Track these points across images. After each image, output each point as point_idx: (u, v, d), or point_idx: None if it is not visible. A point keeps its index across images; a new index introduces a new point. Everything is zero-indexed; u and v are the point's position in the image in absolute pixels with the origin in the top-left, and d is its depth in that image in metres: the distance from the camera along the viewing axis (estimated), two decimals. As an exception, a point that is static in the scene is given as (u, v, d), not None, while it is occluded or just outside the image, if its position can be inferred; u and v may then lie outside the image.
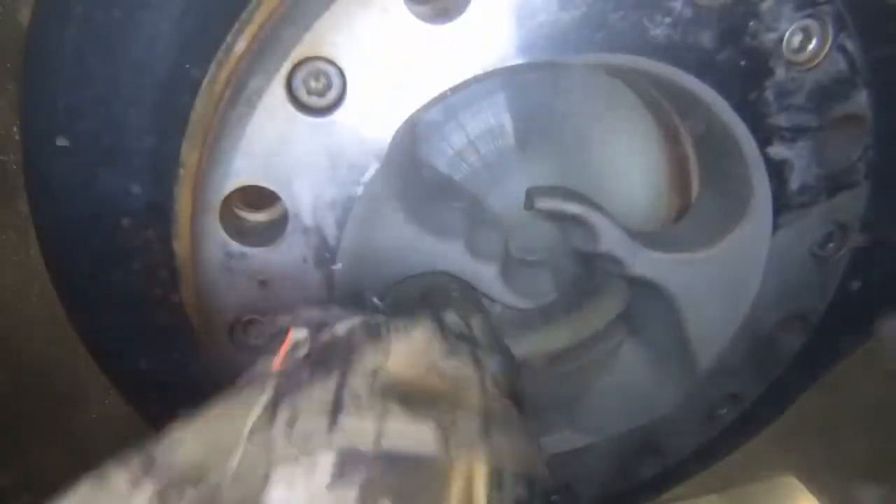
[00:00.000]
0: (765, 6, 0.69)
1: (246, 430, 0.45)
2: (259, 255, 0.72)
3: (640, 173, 0.98)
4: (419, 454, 0.43)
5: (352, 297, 0.78)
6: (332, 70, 0.65)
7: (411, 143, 0.86)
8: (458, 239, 0.81)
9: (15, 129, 0.98)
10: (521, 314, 0.97)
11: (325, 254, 0.73)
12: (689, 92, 0.73)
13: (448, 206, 0.88)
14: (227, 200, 0.70)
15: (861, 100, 0.76)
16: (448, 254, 0.81)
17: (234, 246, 0.72)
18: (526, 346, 1.10)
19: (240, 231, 0.73)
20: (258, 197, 0.73)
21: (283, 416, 0.45)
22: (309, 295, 0.75)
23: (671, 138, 0.93)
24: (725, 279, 0.85)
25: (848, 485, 1.48)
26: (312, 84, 0.65)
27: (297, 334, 0.53)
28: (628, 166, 0.98)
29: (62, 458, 1.17)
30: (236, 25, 0.69)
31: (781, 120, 0.75)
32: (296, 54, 0.64)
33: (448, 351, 0.53)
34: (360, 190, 0.70)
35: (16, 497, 1.17)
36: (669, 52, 0.69)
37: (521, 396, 0.59)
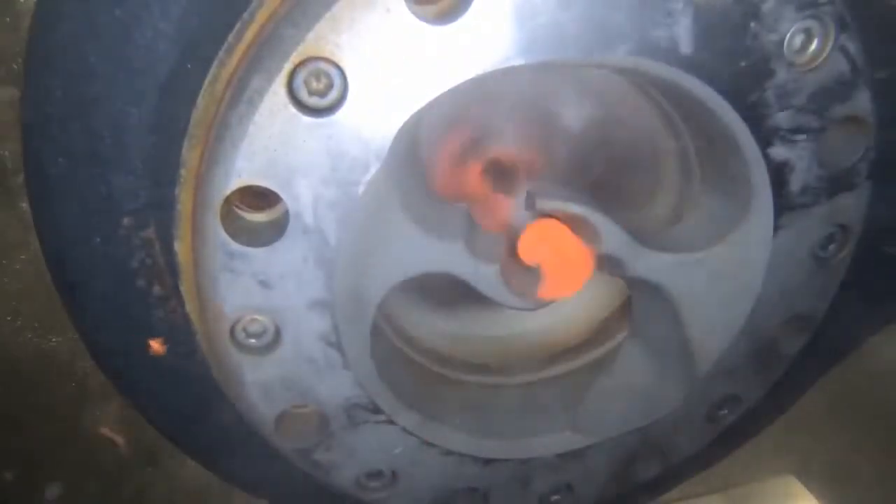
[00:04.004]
0: (766, 7, 0.69)
1: None
2: (260, 255, 0.72)
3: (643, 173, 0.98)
4: None
5: (352, 297, 0.78)
6: (333, 70, 0.65)
7: (412, 143, 0.86)
8: (458, 239, 0.81)
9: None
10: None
11: (325, 253, 0.73)
12: (690, 93, 0.73)
13: (448, 205, 0.88)
14: (228, 200, 0.70)
15: (862, 101, 0.76)
16: (449, 254, 0.81)
17: (235, 246, 0.72)
18: (527, 346, 1.10)
19: (240, 231, 0.73)
20: (259, 197, 0.73)
21: None
22: (309, 295, 0.75)
23: (673, 139, 0.93)
24: (726, 280, 0.85)
25: (848, 484, 1.48)
26: (314, 84, 0.65)
27: None
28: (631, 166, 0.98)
29: (64, 456, 1.17)
30: (238, 25, 0.69)
31: (782, 121, 0.75)
32: (297, 54, 0.64)
33: None
34: (360, 190, 0.70)
35: (17, 494, 1.17)
36: (670, 53, 0.69)
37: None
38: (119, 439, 1.20)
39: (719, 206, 0.86)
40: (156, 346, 0.84)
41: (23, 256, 1.00)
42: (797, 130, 0.76)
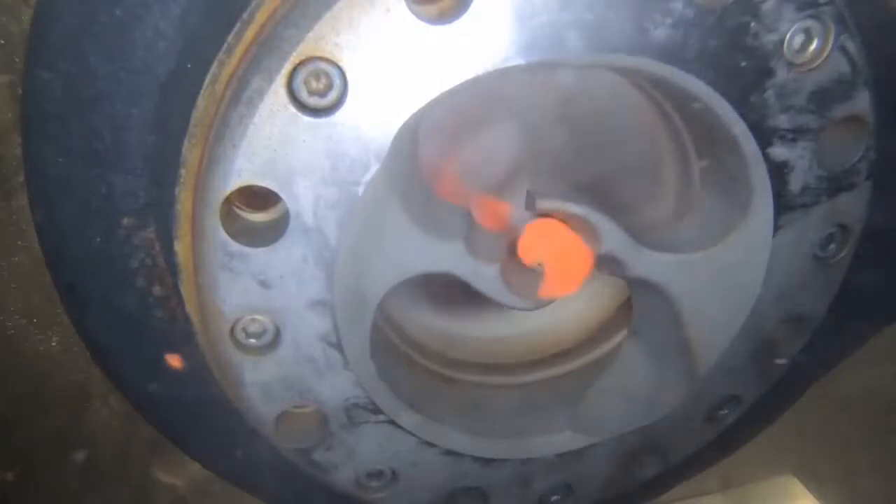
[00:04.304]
0: (766, 7, 0.69)
1: None
2: (260, 255, 0.72)
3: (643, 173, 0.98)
4: None
5: (352, 297, 0.78)
6: (333, 70, 0.65)
7: (412, 143, 0.86)
8: (458, 239, 0.81)
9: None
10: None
11: (325, 253, 0.73)
12: (690, 93, 0.73)
13: (448, 206, 0.88)
14: (228, 200, 0.70)
15: (862, 101, 0.76)
16: (449, 254, 0.81)
17: (235, 246, 0.72)
18: (526, 346, 1.10)
19: (240, 231, 0.73)
20: (259, 197, 0.73)
21: None
22: (310, 295, 0.75)
23: (673, 139, 0.93)
24: (726, 280, 0.85)
25: (848, 484, 1.48)
26: (314, 84, 0.65)
27: None
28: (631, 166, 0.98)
29: (63, 457, 1.17)
30: (238, 25, 0.69)
31: (782, 121, 0.75)
32: (297, 54, 0.64)
33: None
34: (360, 190, 0.70)
35: (18, 494, 1.17)
36: (670, 53, 0.69)
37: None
38: (178, 482, 1.20)
39: (719, 206, 0.86)
40: (174, 361, 0.84)
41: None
42: (797, 130, 0.76)
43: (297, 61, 0.64)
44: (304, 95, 0.65)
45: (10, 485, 1.15)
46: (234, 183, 0.68)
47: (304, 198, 0.69)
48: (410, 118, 0.68)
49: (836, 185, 0.81)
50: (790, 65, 0.72)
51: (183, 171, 0.74)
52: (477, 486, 0.99)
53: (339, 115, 0.66)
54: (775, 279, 0.86)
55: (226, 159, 0.68)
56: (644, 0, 0.67)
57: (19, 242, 0.98)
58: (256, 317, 0.76)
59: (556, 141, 0.96)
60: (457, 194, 0.94)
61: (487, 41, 0.65)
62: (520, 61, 0.66)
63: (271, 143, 0.67)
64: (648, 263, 0.84)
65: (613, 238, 0.83)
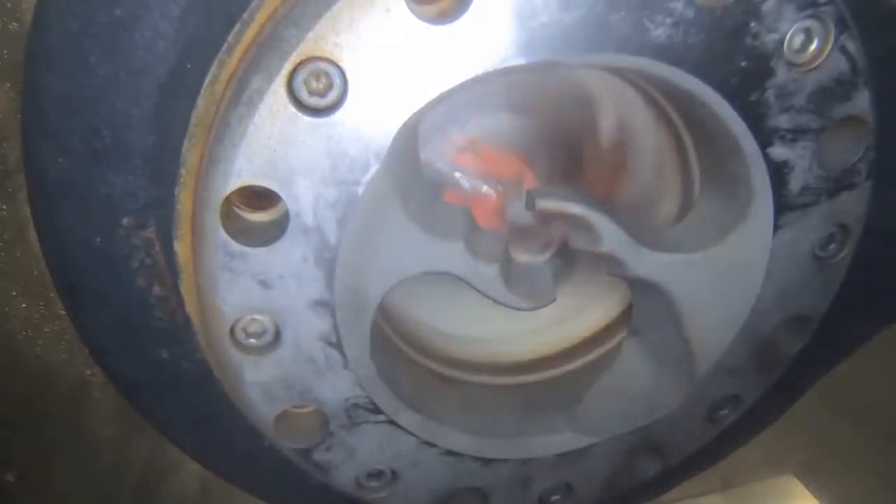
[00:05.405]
0: (766, 7, 0.69)
1: None
2: (260, 254, 0.72)
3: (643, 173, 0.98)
4: None
5: (352, 297, 0.78)
6: (333, 70, 0.65)
7: (412, 143, 0.86)
8: (458, 239, 0.81)
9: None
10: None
11: (325, 253, 0.73)
12: (690, 93, 0.73)
13: (448, 205, 0.88)
14: (228, 200, 0.70)
15: (862, 101, 0.76)
16: (449, 253, 0.81)
17: (235, 246, 0.72)
18: (527, 347, 1.10)
19: (240, 231, 0.73)
20: (259, 197, 0.73)
21: None
22: (309, 295, 0.75)
23: (673, 139, 0.93)
24: (727, 280, 0.85)
25: (848, 484, 1.48)
26: (314, 84, 0.65)
27: None
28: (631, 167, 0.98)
29: (63, 457, 1.17)
30: (238, 26, 0.69)
31: (782, 121, 0.75)
32: (297, 54, 0.64)
33: None
34: (360, 190, 0.70)
35: (18, 495, 1.17)
36: (670, 53, 0.69)
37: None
38: (177, 481, 1.20)
39: (719, 207, 0.86)
40: None
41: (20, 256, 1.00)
42: (797, 130, 0.76)
43: (297, 61, 0.64)
44: (304, 95, 0.65)
45: (10, 485, 1.15)
46: (234, 183, 0.68)
47: (304, 198, 0.69)
48: (410, 118, 0.68)
49: (836, 184, 0.81)
50: (790, 65, 0.72)
51: (183, 171, 0.74)
52: (477, 486, 0.99)
53: (339, 115, 0.66)
54: (775, 279, 0.86)
55: (226, 159, 0.68)
56: (644, 0, 0.67)
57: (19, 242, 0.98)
58: (256, 317, 0.76)
59: (556, 141, 0.96)
60: (457, 192, 0.94)
61: (487, 41, 0.65)
62: (520, 61, 0.66)
63: (271, 143, 0.67)
64: (648, 263, 0.84)
65: (613, 238, 0.83)
